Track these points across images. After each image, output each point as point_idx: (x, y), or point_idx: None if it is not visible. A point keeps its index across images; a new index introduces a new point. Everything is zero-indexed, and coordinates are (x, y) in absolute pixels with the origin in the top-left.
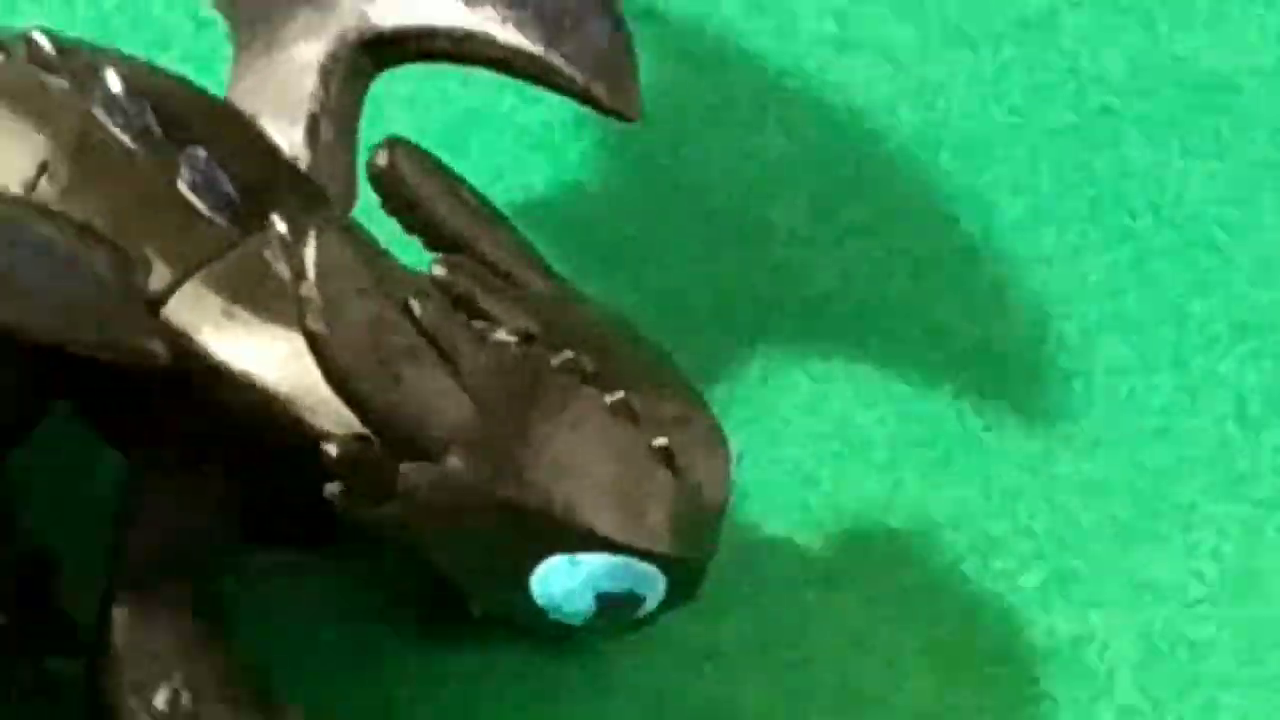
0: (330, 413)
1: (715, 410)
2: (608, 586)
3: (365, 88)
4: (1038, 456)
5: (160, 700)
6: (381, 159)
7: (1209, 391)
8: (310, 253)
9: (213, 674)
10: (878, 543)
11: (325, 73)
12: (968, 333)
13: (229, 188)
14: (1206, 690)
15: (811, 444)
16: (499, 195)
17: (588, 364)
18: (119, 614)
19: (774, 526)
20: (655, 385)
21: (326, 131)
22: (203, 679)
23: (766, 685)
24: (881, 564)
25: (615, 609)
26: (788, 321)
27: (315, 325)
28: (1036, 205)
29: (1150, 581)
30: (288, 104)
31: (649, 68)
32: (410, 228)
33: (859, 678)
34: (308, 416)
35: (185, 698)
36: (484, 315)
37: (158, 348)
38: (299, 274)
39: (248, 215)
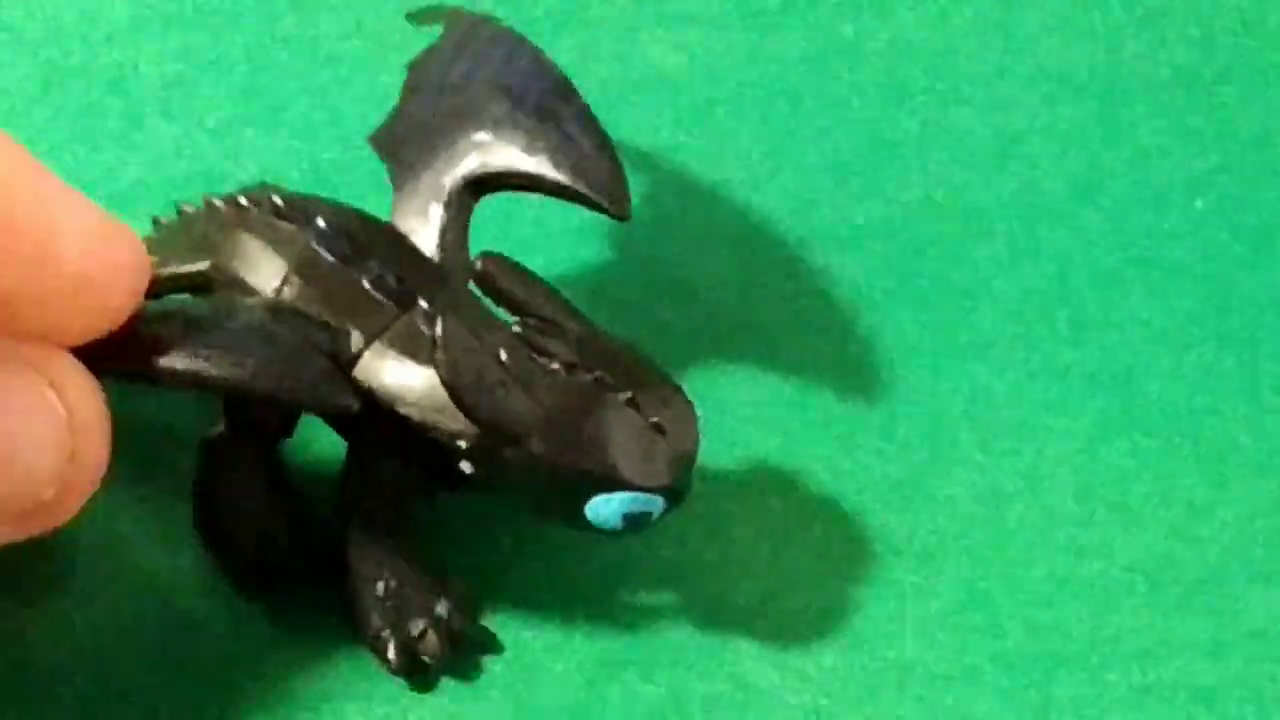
0: (461, 420)
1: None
2: (631, 510)
3: (471, 210)
4: (887, 425)
5: (379, 588)
6: (479, 266)
7: (1030, 373)
8: (440, 332)
9: (409, 568)
10: (775, 473)
11: (448, 204)
12: (837, 348)
13: (394, 282)
14: (1042, 593)
15: (731, 429)
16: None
17: (608, 378)
18: (352, 539)
19: (709, 465)
20: (649, 383)
21: (450, 238)
22: (404, 572)
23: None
24: (778, 484)
25: (634, 522)
26: (707, 350)
27: (445, 376)
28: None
29: (960, 503)
30: (427, 224)
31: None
32: (497, 304)
33: (746, 555)
34: (448, 422)
35: (394, 584)
36: (546, 354)
37: (352, 402)
38: (435, 344)
39: (406, 299)
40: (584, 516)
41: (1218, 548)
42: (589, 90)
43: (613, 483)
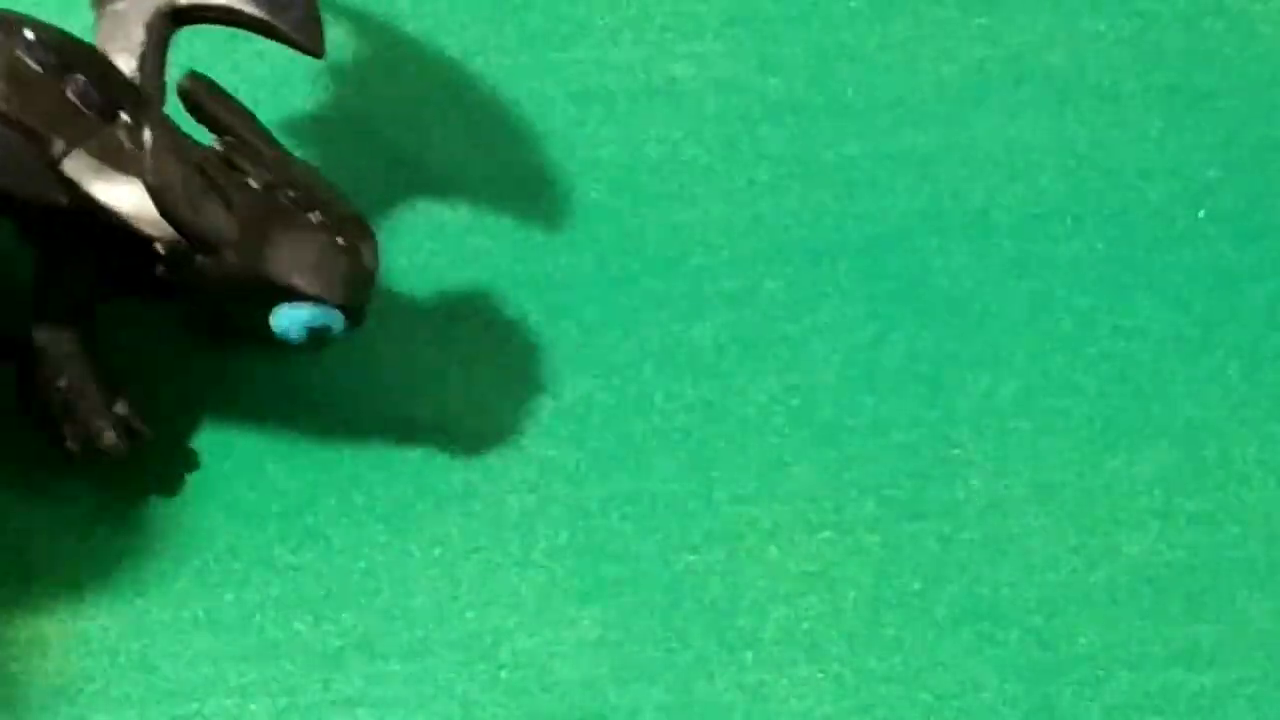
0: (160, 226)
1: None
2: (312, 322)
3: (169, 38)
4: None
5: (62, 384)
6: (183, 85)
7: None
8: (148, 138)
9: (86, 371)
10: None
11: (148, 29)
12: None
13: (96, 96)
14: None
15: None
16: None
17: (301, 198)
18: (37, 338)
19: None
20: (338, 208)
21: (149, 64)
22: (85, 372)
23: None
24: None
25: (317, 335)
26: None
27: (150, 179)
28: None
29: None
30: (129, 47)
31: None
32: (200, 122)
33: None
34: (146, 228)
35: (76, 382)
36: (244, 171)
37: (60, 195)
38: (143, 148)
39: (108, 112)
40: (269, 326)
41: (1221, 555)
42: (600, 99)
43: (296, 294)
